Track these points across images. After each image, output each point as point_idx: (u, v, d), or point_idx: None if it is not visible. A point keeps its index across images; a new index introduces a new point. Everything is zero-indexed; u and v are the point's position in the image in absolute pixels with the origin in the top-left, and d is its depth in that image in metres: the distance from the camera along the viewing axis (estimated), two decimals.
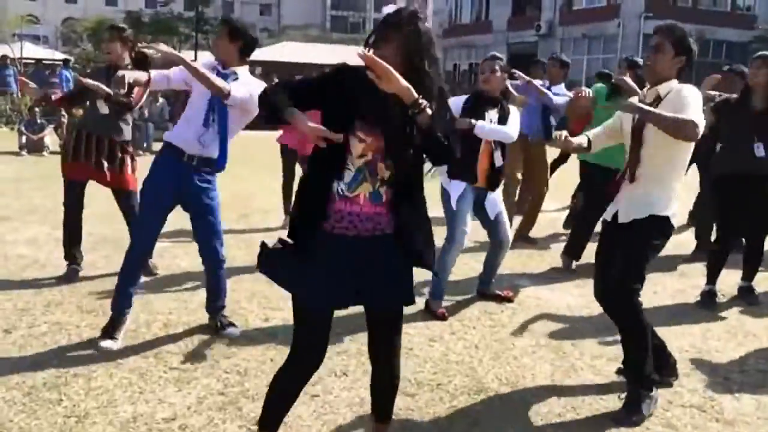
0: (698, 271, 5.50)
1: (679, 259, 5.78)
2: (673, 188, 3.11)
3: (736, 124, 4.63)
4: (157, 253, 5.30)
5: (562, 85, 6.32)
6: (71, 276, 4.66)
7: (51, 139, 12.42)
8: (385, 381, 2.52)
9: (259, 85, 3.35)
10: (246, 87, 3.51)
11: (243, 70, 3.66)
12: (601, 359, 3.65)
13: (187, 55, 33.13)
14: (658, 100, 3.05)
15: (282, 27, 65.77)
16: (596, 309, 3.84)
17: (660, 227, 3.08)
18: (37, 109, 12.90)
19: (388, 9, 2.34)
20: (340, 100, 2.20)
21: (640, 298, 3.08)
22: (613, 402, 3.14)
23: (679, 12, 27.62)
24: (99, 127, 4.60)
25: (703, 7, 29.14)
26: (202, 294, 4.36)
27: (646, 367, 3.07)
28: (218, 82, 3.41)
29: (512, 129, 4.31)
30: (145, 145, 12.56)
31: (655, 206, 3.06)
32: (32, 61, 23.61)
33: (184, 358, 3.45)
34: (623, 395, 3.10)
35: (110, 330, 3.59)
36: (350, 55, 2.50)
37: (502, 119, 4.30)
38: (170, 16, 34.96)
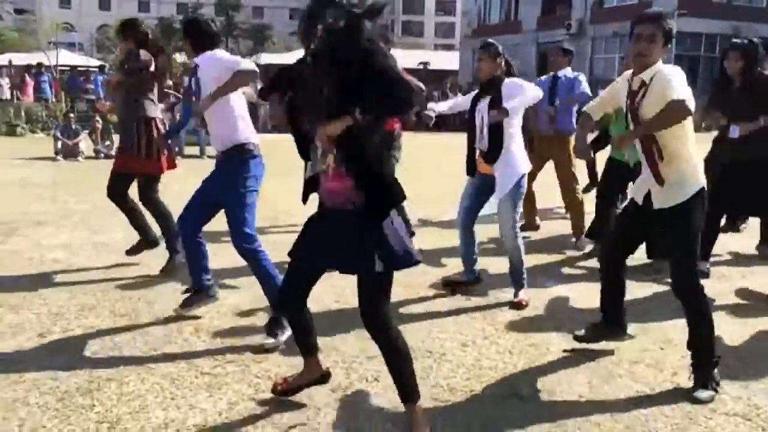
0: (738, 273, 5.34)
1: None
2: (692, 155, 3.21)
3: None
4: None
5: (568, 68, 6.39)
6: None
7: (86, 144, 12.64)
8: (387, 354, 2.69)
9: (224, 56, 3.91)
10: (207, 71, 3.83)
11: (208, 56, 3.91)
12: (640, 365, 3.54)
13: None
14: (644, 86, 3.14)
15: None
16: (629, 310, 3.74)
17: (701, 201, 3.20)
18: (71, 115, 13.14)
19: None
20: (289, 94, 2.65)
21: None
22: (653, 410, 3.04)
23: (714, 8, 27.06)
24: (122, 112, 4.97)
25: (739, 3, 28.49)
26: (232, 298, 4.38)
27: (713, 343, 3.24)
28: (227, 88, 3.76)
29: (529, 91, 4.32)
30: (176, 149, 12.69)
31: (690, 184, 3.17)
32: (67, 68, 24.09)
33: (215, 363, 3.44)
34: (669, 406, 3.00)
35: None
36: None
37: (495, 101, 4.32)
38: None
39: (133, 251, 5.13)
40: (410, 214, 6.00)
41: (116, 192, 4.92)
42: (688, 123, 3.13)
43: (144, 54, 4.78)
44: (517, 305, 4.40)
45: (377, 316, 2.65)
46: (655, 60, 3.12)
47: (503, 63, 4.43)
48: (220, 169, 3.86)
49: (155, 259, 5.10)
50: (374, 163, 2.52)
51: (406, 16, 71.88)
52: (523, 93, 4.26)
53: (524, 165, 4.42)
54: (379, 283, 2.63)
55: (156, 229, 5.09)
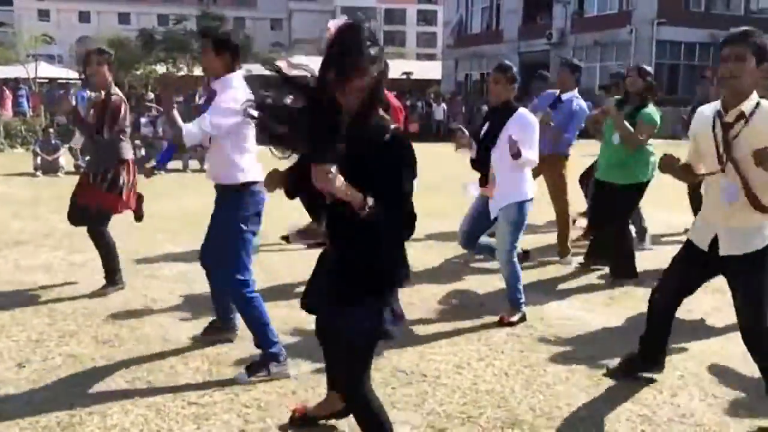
0: None
1: None
2: None
3: None
4: (173, 278, 5.22)
5: (575, 91, 6.00)
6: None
7: (66, 159, 12.41)
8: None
9: (244, 94, 3.28)
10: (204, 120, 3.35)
11: (234, 77, 3.48)
12: (639, 386, 3.46)
13: (200, 70, 33.32)
14: (742, 118, 2.82)
15: (293, 41, 66.16)
16: (628, 328, 3.68)
17: None
18: (51, 130, 12.91)
19: (334, 24, 2.28)
20: None
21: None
22: None
23: (692, 17, 27.37)
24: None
25: (716, 12, 28.85)
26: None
27: None
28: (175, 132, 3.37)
29: (534, 152, 4.26)
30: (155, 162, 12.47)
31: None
32: (46, 81, 23.81)
33: (203, 391, 3.31)
34: (669, 428, 2.92)
35: None
36: None
37: (494, 126, 4.32)
38: (183, 33, 35.14)
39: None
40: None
41: (76, 219, 4.93)
42: None
43: (115, 99, 4.62)
44: (499, 321, 4.34)
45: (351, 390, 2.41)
46: (746, 83, 2.80)
47: (516, 88, 4.36)
48: (216, 205, 3.60)
49: (138, 279, 4.97)
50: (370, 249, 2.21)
51: (388, 26, 72.12)
52: (532, 146, 4.22)
53: (524, 191, 4.28)
54: (347, 345, 2.34)
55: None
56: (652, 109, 5.05)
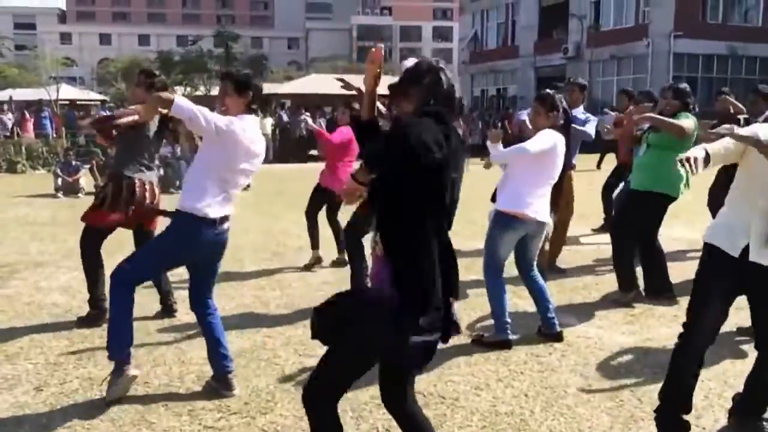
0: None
1: None
2: None
3: None
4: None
5: (581, 107, 6.16)
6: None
7: (86, 180, 12.56)
8: None
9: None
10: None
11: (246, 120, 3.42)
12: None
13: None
14: None
15: (310, 59, 66.79)
16: (649, 348, 3.60)
17: None
18: (71, 152, 13.09)
19: (408, 63, 2.33)
20: None
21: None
22: None
23: (709, 29, 27.22)
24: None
25: (733, 24, 28.67)
26: (237, 343, 4.24)
27: None
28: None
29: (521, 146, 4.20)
30: (177, 183, 12.59)
31: None
32: (67, 102, 24.20)
33: (219, 414, 3.29)
34: None
35: None
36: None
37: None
38: (199, 53, 35.65)
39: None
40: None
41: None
42: None
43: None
44: (473, 338, 4.31)
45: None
46: None
47: (560, 116, 4.30)
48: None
49: (155, 302, 4.97)
50: (406, 247, 2.15)
51: (404, 44, 72.61)
52: (515, 150, 4.19)
53: (510, 204, 4.15)
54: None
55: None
56: (686, 115, 4.97)
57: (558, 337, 4.33)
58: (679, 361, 3.02)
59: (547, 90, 4.49)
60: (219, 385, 3.51)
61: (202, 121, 3.18)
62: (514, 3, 34.83)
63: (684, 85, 5.11)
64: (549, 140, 4.13)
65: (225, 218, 3.43)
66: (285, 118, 22.35)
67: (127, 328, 3.43)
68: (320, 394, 2.24)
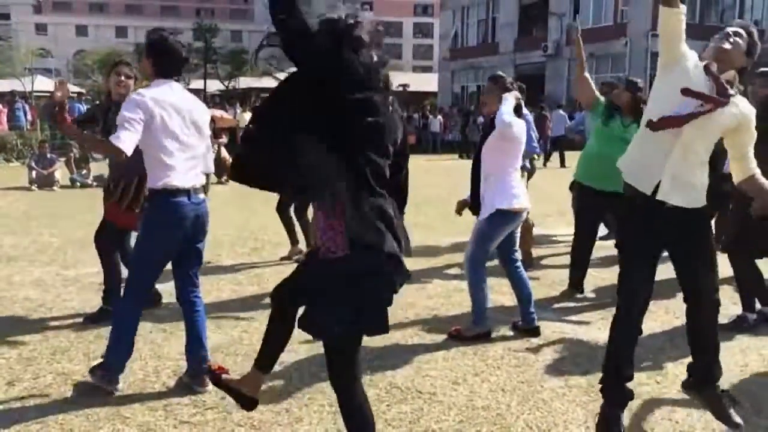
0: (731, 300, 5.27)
1: None
2: None
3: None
4: (167, 294, 5.17)
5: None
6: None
7: (61, 173, 12.39)
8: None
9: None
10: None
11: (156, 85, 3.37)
12: (636, 400, 3.42)
13: (197, 84, 33.41)
14: None
15: None
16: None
17: None
18: (47, 144, 12.90)
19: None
20: None
21: None
22: None
23: (686, 29, 27.46)
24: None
25: (710, 24, 29.03)
26: (214, 338, 4.21)
27: None
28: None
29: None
30: None
31: None
32: (45, 95, 23.83)
33: (195, 410, 3.27)
34: None
35: None
36: None
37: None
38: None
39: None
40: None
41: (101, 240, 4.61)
42: None
43: None
44: (451, 332, 4.33)
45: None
46: None
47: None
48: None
49: None
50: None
51: (385, 39, 72.34)
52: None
53: (493, 203, 4.16)
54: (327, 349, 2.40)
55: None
56: None
57: (535, 332, 4.37)
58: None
59: (500, 72, 4.52)
60: (193, 382, 3.48)
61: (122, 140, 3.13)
62: (494, 0, 34.94)
63: (640, 81, 5.24)
64: (513, 115, 4.15)
65: (197, 189, 3.40)
66: None
67: (130, 340, 3.46)
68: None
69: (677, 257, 3.08)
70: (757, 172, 3.02)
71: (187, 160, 3.37)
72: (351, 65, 2.14)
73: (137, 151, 3.25)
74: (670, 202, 2.92)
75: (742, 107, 2.91)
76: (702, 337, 3.09)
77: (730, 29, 3.00)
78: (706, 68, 2.88)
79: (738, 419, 2.99)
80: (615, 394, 3.09)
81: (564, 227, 8.12)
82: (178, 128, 3.33)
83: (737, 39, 2.95)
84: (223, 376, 2.74)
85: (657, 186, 2.92)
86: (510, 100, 4.14)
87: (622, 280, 3.11)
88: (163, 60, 3.40)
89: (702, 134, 2.89)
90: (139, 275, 3.45)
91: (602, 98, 5.26)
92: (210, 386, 3.44)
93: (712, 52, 2.96)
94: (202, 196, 3.46)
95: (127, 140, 3.12)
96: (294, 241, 6.37)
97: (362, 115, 2.17)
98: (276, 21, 2.20)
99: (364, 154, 2.19)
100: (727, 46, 2.94)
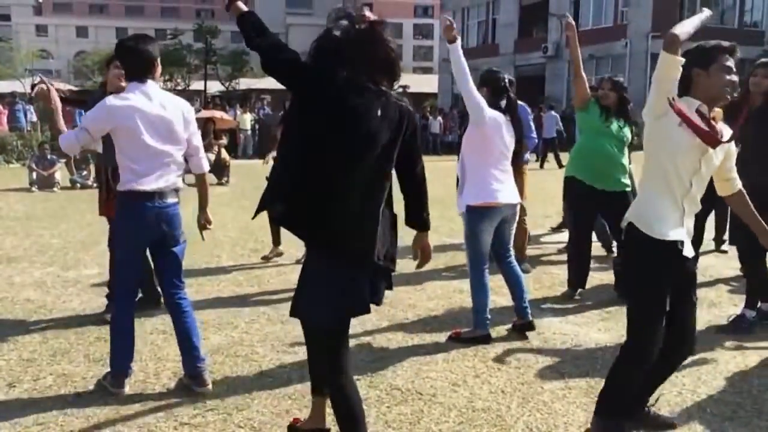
0: (729, 301, 5.28)
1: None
2: None
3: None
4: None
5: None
6: None
7: (61, 174, 12.39)
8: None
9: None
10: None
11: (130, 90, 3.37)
12: None
13: (198, 85, 33.42)
14: None
15: None
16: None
17: None
18: (47, 145, 12.90)
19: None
20: None
21: None
22: None
23: None
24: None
25: (711, 25, 28.90)
26: (214, 339, 4.22)
27: None
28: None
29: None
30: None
31: None
32: None
33: (195, 411, 3.27)
34: None
35: None
36: None
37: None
38: (179, 47, 35.27)
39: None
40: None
41: None
42: None
43: None
44: (451, 335, 4.32)
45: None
46: None
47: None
48: None
49: None
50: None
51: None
52: None
53: (478, 197, 4.14)
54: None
55: None
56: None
57: (530, 326, 4.38)
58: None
59: (492, 68, 4.52)
60: (192, 382, 3.48)
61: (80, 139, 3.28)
62: (495, 1, 34.95)
63: (621, 79, 5.29)
64: (486, 106, 4.16)
65: (164, 194, 3.37)
66: (267, 112, 22.23)
67: (130, 341, 3.48)
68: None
69: (673, 299, 2.90)
70: (741, 186, 3.06)
71: (157, 167, 3.37)
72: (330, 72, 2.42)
73: (112, 144, 3.41)
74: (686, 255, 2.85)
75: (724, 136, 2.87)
76: (659, 380, 3.10)
77: None
78: (698, 111, 2.85)
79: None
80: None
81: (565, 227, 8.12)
82: (147, 136, 3.31)
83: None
84: (297, 425, 3.00)
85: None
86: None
87: (639, 338, 2.86)
88: (128, 60, 3.42)
89: (707, 173, 2.88)
90: (119, 275, 3.54)
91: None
92: (209, 387, 3.44)
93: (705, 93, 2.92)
94: (171, 200, 3.42)
95: (71, 146, 3.33)
96: (276, 241, 6.43)
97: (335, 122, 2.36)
98: (253, 47, 2.45)
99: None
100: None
